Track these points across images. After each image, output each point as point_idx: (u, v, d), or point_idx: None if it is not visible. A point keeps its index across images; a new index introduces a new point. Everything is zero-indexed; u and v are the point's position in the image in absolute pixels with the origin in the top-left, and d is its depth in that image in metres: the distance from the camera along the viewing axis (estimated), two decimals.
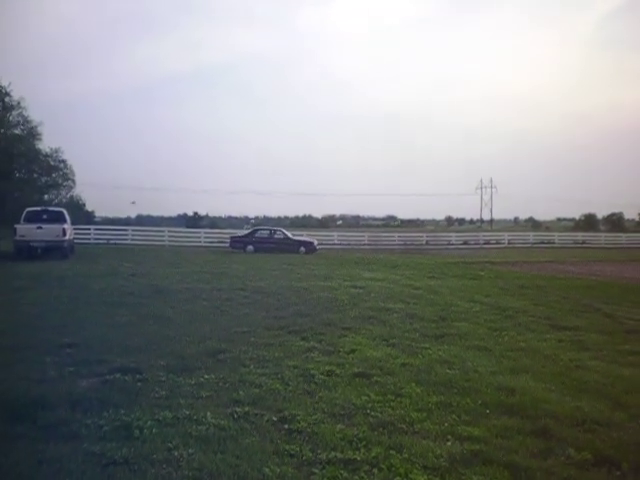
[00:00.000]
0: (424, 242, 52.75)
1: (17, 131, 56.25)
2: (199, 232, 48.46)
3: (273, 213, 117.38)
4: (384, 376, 8.00)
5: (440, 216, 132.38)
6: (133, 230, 46.41)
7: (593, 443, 5.81)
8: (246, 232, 39.74)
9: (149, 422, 6.02)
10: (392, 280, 20.80)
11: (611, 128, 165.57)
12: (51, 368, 7.98)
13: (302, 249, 36.64)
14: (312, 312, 13.21)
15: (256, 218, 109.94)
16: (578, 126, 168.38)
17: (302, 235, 42.22)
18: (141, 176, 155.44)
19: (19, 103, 55.35)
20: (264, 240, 37.42)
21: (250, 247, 36.70)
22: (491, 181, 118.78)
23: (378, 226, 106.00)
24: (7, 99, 55.56)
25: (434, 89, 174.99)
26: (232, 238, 38.98)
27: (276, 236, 38.04)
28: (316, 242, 38.87)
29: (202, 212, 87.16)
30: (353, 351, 9.43)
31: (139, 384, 7.37)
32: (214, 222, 78.09)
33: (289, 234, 39.16)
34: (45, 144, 56.51)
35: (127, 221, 65.97)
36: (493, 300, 16.14)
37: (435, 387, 7.56)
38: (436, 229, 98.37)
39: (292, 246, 36.65)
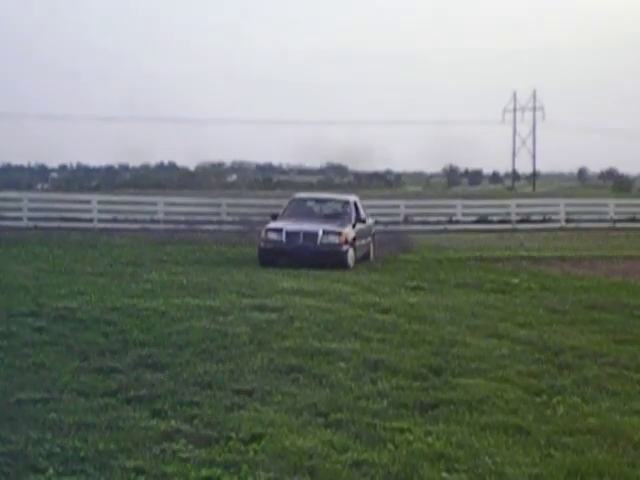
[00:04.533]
0: (401, 218, 53.03)
1: None
2: None
3: (94, 159, 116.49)
4: None
5: (434, 167, 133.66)
6: None
7: None
8: None
9: None
10: (336, 294, 21.16)
11: None
12: None
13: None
14: (174, 360, 13.40)
15: (62, 168, 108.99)
16: None
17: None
18: None
19: None
20: None
21: None
22: (534, 97, 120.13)
23: (311, 186, 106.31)
24: None
25: None
26: None
27: None
28: None
29: None
30: (257, 438, 9.55)
31: None
32: None
33: None
34: None
35: None
36: (535, 333, 16.48)
37: None
38: (425, 192, 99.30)
39: None
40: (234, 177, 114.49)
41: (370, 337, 15.69)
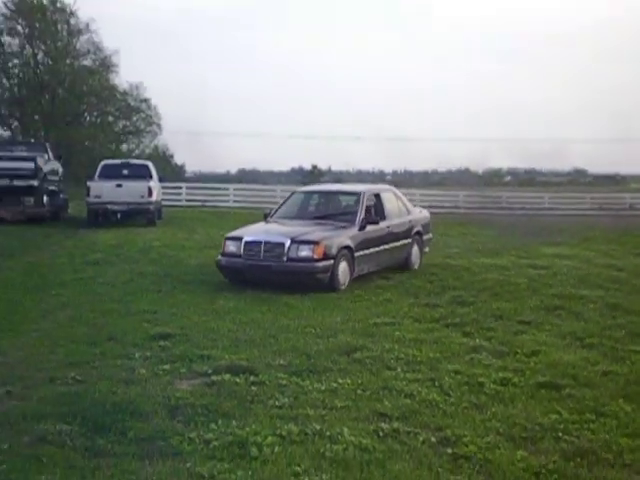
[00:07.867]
0: (627, 205, 52.17)
1: (86, 62, 63.08)
2: None
3: (418, 165, 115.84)
4: (579, 388, 9.03)
5: None
6: (236, 190, 48.38)
7: None
8: None
9: (270, 438, 7.00)
10: (584, 258, 23.82)
11: None
12: (141, 365, 9.72)
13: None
14: (476, 299, 15.32)
15: (394, 173, 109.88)
16: None
17: None
18: (240, 120, 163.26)
19: (88, 26, 58.63)
20: None
21: None
22: None
23: (561, 184, 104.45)
24: (73, 20, 58.93)
25: None
26: None
27: None
28: None
29: (322, 165, 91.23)
30: (535, 353, 10.76)
31: (254, 388, 8.70)
32: (339, 178, 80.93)
33: None
34: (122, 78, 60.06)
35: (226, 177, 71.07)
36: None
37: None
38: None
39: None
40: (508, 178, 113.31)
41: (609, 287, 17.25)
